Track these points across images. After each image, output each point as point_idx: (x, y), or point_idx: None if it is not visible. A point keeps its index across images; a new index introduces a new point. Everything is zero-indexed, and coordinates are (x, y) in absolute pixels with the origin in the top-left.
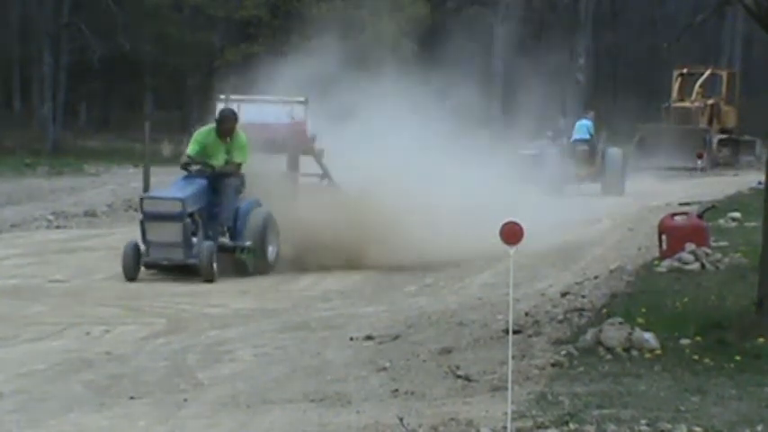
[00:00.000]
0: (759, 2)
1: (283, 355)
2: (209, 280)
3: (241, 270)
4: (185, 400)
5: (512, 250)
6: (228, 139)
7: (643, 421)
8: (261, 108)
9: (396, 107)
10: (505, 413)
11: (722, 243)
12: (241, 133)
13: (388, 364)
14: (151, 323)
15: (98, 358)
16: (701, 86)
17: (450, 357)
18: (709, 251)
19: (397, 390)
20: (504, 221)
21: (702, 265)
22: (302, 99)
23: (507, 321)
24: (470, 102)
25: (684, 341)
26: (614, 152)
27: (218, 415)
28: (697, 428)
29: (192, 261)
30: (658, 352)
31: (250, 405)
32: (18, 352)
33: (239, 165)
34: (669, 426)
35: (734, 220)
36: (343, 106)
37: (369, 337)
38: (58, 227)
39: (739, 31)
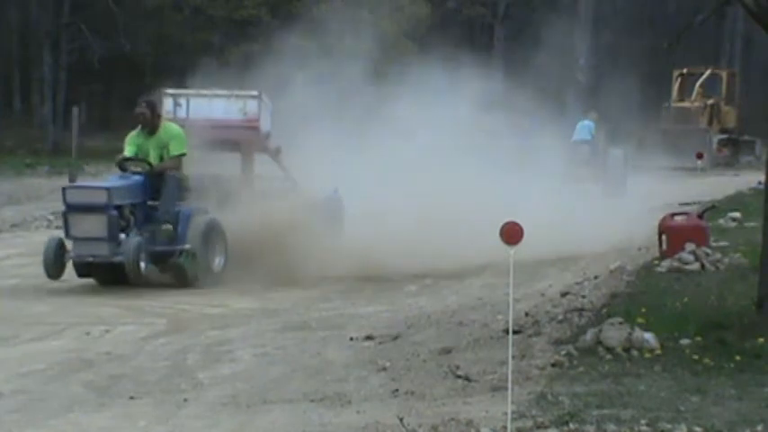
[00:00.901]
0: (759, 2)
1: (283, 355)
2: (137, 281)
3: (180, 277)
4: (185, 400)
5: (512, 250)
6: (153, 132)
7: (643, 421)
8: (210, 103)
9: (394, 107)
10: (505, 413)
11: (722, 243)
12: (171, 124)
13: (388, 364)
14: (151, 323)
15: (98, 358)
16: (701, 86)
17: (450, 357)
18: (709, 251)
19: (397, 390)
20: (504, 222)
21: (702, 265)
22: (255, 93)
23: (507, 321)
24: (470, 101)
25: (684, 341)
26: (616, 153)
27: (218, 415)
28: (697, 428)
29: (119, 258)
30: (658, 352)
31: (250, 405)
32: (18, 352)
33: (179, 157)
34: (669, 426)
35: (734, 220)
36: (338, 107)
37: (369, 337)
38: (58, 227)
39: (739, 31)
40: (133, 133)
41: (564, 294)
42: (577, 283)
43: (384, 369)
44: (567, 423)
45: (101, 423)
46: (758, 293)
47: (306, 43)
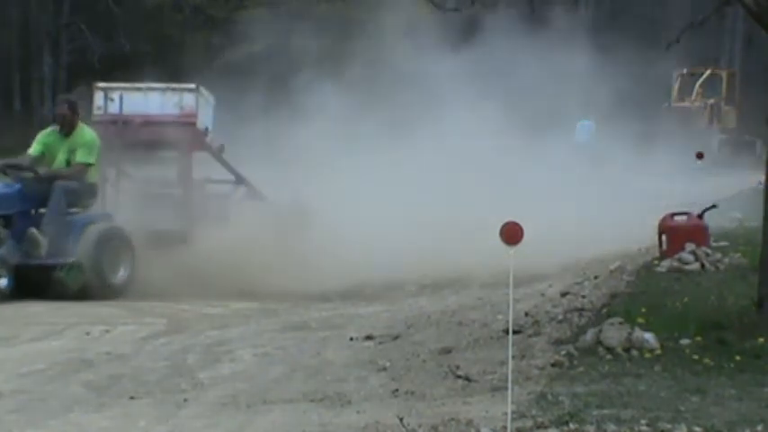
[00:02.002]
0: (759, 2)
1: (283, 355)
2: None
3: (64, 291)
4: (185, 400)
5: (511, 250)
6: (68, 134)
7: (643, 421)
8: (145, 98)
9: (395, 110)
10: (505, 413)
11: (722, 243)
12: (87, 129)
13: (388, 364)
14: (151, 323)
15: (98, 358)
16: (700, 86)
17: (450, 357)
18: (709, 251)
19: (397, 390)
20: (504, 222)
21: (702, 265)
22: (192, 86)
23: (507, 321)
24: (468, 102)
25: (684, 341)
26: (616, 153)
27: (218, 415)
28: (697, 428)
29: None
30: (658, 352)
31: (250, 405)
32: (18, 352)
33: (84, 166)
34: (669, 426)
35: (734, 220)
36: (332, 108)
37: (369, 337)
38: None
39: (739, 31)
40: (47, 131)
41: (564, 294)
42: (577, 283)
43: (384, 369)
44: (566, 423)
45: (101, 423)
46: (758, 293)
47: (305, 43)
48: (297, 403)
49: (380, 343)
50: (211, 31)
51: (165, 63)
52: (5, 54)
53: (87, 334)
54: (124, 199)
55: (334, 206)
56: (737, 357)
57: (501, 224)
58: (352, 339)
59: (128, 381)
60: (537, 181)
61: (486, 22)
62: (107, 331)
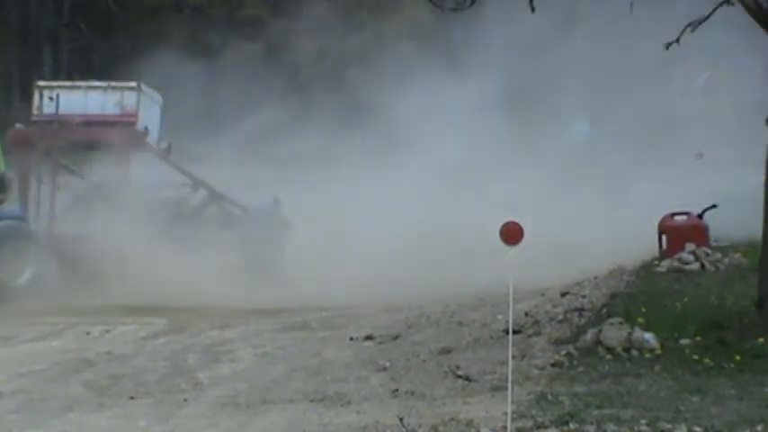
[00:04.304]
0: (759, 2)
1: (283, 355)
2: None
3: None
4: (185, 400)
5: (511, 250)
6: None
7: (643, 421)
8: (85, 97)
9: (391, 110)
10: (505, 413)
11: (722, 243)
12: None
13: (388, 364)
14: (151, 323)
15: (98, 358)
16: (700, 86)
17: (450, 357)
18: (709, 251)
19: (397, 390)
20: (504, 222)
21: (702, 265)
22: (133, 84)
23: (507, 321)
24: (466, 104)
25: (684, 341)
26: (613, 154)
27: (218, 415)
28: (697, 428)
29: None
30: (658, 352)
31: (250, 405)
32: (18, 352)
33: None
34: (669, 426)
35: (734, 220)
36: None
37: (369, 337)
38: None
39: (739, 31)
40: None
41: (564, 294)
42: (577, 283)
43: (384, 369)
44: (567, 423)
45: (101, 423)
46: (758, 293)
47: (306, 42)
48: (297, 403)
49: (380, 343)
50: (211, 31)
51: (165, 63)
52: (5, 54)
53: (87, 334)
54: (59, 201)
55: (321, 213)
56: (737, 357)
57: (501, 225)
58: (352, 339)
59: (128, 381)
60: (535, 182)
61: (478, 22)
62: (107, 331)
